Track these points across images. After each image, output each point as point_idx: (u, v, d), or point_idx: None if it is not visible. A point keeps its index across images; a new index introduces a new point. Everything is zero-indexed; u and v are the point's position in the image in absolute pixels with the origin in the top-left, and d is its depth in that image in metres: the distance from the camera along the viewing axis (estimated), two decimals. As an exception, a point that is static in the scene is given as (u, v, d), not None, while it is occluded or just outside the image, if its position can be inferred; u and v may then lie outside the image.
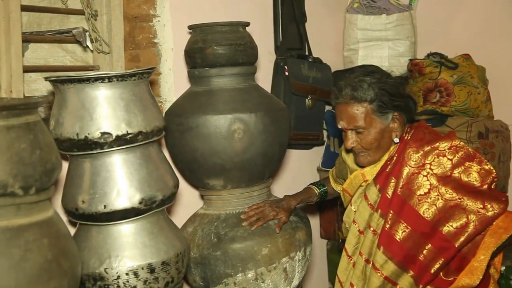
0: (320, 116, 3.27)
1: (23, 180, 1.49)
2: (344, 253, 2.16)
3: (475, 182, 1.97)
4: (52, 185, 1.63)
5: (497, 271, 2.06)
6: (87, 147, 1.91)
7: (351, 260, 2.12)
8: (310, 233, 2.50)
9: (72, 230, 1.95)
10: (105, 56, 2.49)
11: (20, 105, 1.53)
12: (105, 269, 1.93)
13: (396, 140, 2.07)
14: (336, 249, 3.42)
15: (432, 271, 1.95)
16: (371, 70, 2.13)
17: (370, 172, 2.12)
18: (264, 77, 2.98)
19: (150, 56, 2.63)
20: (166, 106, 2.59)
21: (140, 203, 1.95)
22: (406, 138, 2.08)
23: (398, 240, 1.97)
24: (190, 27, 2.42)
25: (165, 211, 2.11)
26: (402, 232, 1.97)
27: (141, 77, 1.97)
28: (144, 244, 1.97)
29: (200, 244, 2.33)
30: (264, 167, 2.41)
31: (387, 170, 2.06)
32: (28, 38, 2.35)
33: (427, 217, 1.96)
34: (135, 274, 1.94)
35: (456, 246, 1.93)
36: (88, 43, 2.45)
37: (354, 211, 2.15)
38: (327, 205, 3.34)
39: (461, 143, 2.03)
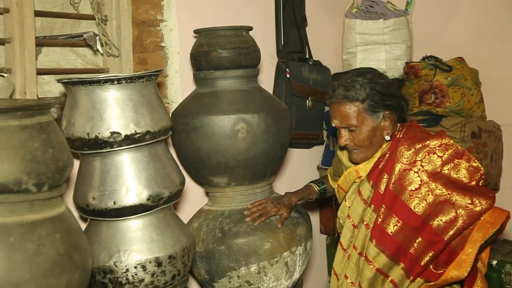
0: (320, 116, 3.27)
1: (36, 178, 1.49)
2: (339, 246, 2.16)
3: (463, 179, 1.98)
4: (64, 182, 1.63)
5: (484, 266, 2.06)
6: (97, 146, 1.91)
7: (346, 253, 2.13)
8: (311, 228, 2.50)
9: (83, 225, 1.96)
10: (115, 59, 2.50)
11: (33, 106, 1.53)
12: (114, 262, 1.93)
13: (387, 137, 2.08)
14: (335, 244, 3.41)
15: (423, 263, 1.95)
16: (363, 71, 2.14)
17: (364, 168, 2.12)
18: (267, 79, 2.98)
19: (158, 59, 2.63)
20: (173, 107, 2.59)
21: (148, 199, 1.95)
22: (398, 136, 2.08)
23: (390, 233, 1.98)
24: (195, 31, 2.42)
25: (171, 207, 2.11)
26: (394, 226, 1.98)
27: (149, 79, 1.97)
28: (151, 239, 1.97)
29: (205, 239, 2.34)
30: (267, 165, 2.41)
31: (380, 166, 2.07)
32: (41, 42, 2.35)
33: (417, 211, 1.96)
34: (143, 267, 1.94)
35: (445, 239, 1.94)
36: (99, 46, 2.45)
37: (348, 207, 2.15)
38: (326, 202, 3.34)
39: (451, 141, 2.03)
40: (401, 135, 2.08)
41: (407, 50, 3.51)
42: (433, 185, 1.97)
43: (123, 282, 1.94)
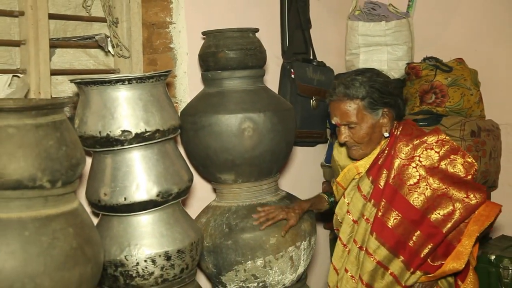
0: (323, 115, 3.26)
1: (50, 174, 1.50)
2: (338, 242, 2.15)
3: (460, 173, 2.00)
4: (77, 179, 1.64)
5: (474, 259, 2.07)
6: (109, 144, 1.91)
7: (346, 248, 2.12)
8: (315, 224, 2.50)
9: (95, 221, 1.96)
10: (125, 60, 2.50)
11: (47, 105, 1.54)
12: (125, 256, 1.93)
13: (386, 134, 2.08)
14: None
15: (422, 255, 1.96)
16: (362, 70, 2.14)
17: (363, 165, 2.12)
18: (272, 80, 2.97)
19: (167, 60, 2.64)
20: (181, 106, 2.59)
21: (158, 195, 1.95)
22: (396, 133, 2.08)
23: (390, 227, 1.98)
24: (203, 33, 2.42)
25: (180, 203, 2.11)
26: (394, 220, 1.98)
27: (158, 79, 1.97)
28: (161, 234, 1.97)
29: (213, 234, 2.34)
30: (272, 163, 2.41)
31: (379, 162, 2.07)
32: (55, 44, 2.36)
33: (416, 205, 1.97)
34: (153, 261, 1.94)
35: (444, 231, 1.95)
36: (110, 48, 2.46)
37: (347, 203, 2.14)
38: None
39: (447, 137, 2.05)
40: (398, 132, 2.08)
41: (408, 51, 3.50)
42: (430, 180, 1.98)
43: (134, 275, 1.94)
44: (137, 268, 1.94)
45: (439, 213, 1.96)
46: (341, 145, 2.20)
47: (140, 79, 1.91)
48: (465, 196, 1.96)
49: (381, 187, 2.03)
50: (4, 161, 1.44)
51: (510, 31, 3.45)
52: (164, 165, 1.98)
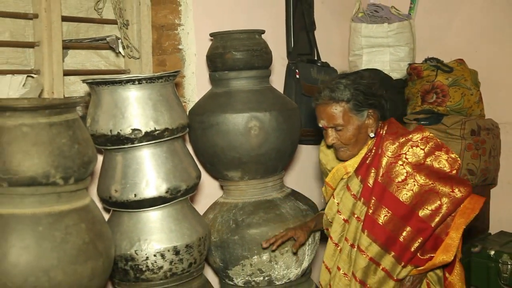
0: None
1: (63, 171, 1.50)
2: (329, 241, 2.14)
3: (445, 169, 2.01)
4: (89, 176, 1.64)
5: (459, 251, 2.07)
6: (120, 142, 1.92)
7: (338, 247, 2.11)
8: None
9: (106, 216, 1.97)
10: (135, 61, 2.51)
11: (60, 105, 1.54)
12: (135, 251, 1.94)
13: (372, 134, 2.07)
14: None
15: (412, 249, 1.96)
16: (346, 73, 2.13)
17: (351, 164, 2.11)
18: (277, 80, 2.97)
19: (175, 61, 2.64)
20: (190, 106, 2.59)
21: (166, 192, 1.96)
22: (381, 132, 2.08)
23: (381, 223, 1.97)
24: (211, 35, 2.42)
25: (188, 199, 2.11)
26: (384, 216, 1.98)
27: (167, 79, 1.98)
28: (170, 229, 1.97)
29: (220, 229, 2.34)
30: (278, 160, 2.41)
31: (367, 162, 2.06)
32: (68, 45, 2.36)
33: (405, 201, 1.97)
34: (162, 255, 1.95)
35: (433, 226, 1.95)
36: (120, 49, 2.46)
37: (337, 203, 2.13)
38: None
39: (431, 134, 2.05)
40: (384, 131, 2.08)
41: (410, 52, 3.49)
42: (417, 176, 1.98)
43: (143, 269, 1.95)
44: (147, 262, 1.94)
45: (427, 208, 1.96)
46: (328, 147, 2.19)
47: (150, 79, 1.92)
48: (451, 190, 1.97)
49: (370, 186, 2.02)
50: (19, 158, 1.45)
51: (509, 32, 3.44)
52: (172, 163, 1.99)
